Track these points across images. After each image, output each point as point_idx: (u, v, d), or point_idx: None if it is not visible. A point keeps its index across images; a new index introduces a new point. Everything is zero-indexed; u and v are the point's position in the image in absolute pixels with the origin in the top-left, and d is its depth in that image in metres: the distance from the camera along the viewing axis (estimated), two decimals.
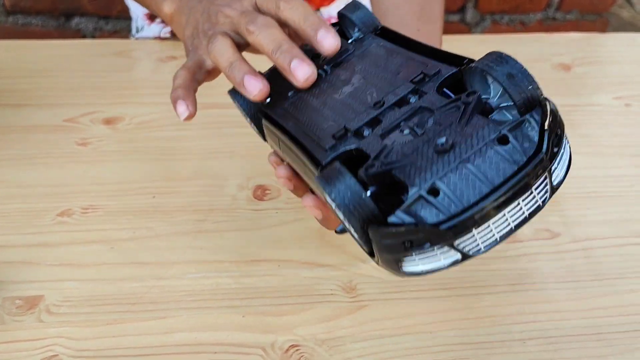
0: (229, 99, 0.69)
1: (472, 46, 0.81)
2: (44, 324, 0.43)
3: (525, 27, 1.21)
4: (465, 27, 1.21)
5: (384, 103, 0.32)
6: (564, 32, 1.21)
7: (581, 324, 0.44)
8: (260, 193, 0.55)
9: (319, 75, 0.37)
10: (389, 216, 0.26)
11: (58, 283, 0.46)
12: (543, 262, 0.49)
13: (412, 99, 0.31)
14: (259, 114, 0.39)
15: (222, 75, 0.74)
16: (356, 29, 0.40)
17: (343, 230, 0.36)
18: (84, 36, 1.17)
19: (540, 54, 0.79)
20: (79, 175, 0.57)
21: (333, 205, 0.28)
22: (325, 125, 0.33)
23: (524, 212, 0.26)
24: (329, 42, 0.36)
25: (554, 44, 0.81)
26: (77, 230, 0.51)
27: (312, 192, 0.38)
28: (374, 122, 0.31)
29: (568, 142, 0.28)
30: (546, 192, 0.27)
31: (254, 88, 0.36)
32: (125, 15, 0.89)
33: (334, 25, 0.43)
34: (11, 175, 0.57)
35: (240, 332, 0.43)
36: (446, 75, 0.31)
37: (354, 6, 0.40)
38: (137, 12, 0.84)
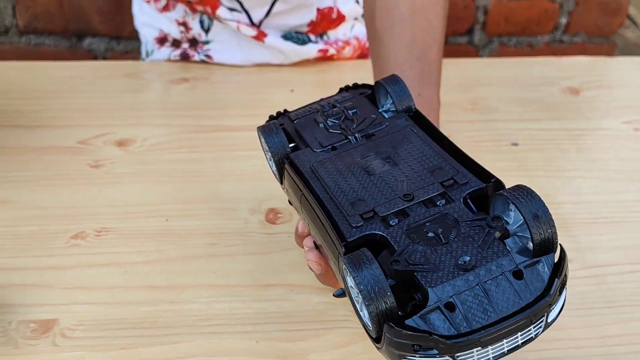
0: (239, 122, 0.70)
1: (480, 69, 0.82)
2: (59, 348, 0.43)
3: (532, 50, 1.22)
4: (473, 49, 1.22)
5: (413, 197, 0.34)
6: (571, 54, 1.22)
7: (595, 352, 0.43)
8: (273, 216, 0.55)
9: (349, 141, 0.38)
10: (406, 318, 0.29)
11: (72, 306, 0.46)
12: None
13: (440, 202, 0.33)
14: (285, 159, 0.39)
15: (233, 96, 0.74)
16: (389, 102, 0.41)
17: (341, 295, 0.37)
18: (95, 57, 1.19)
19: (548, 77, 0.80)
20: (92, 197, 0.58)
21: (355, 289, 0.30)
22: (353, 197, 0.34)
23: (518, 341, 0.29)
24: None
25: (562, 68, 0.82)
26: (91, 253, 0.51)
27: (316, 245, 0.39)
28: (401, 213, 0.33)
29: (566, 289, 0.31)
30: (541, 327, 0.30)
31: None
32: (136, 36, 0.90)
33: (366, 87, 0.44)
34: (25, 196, 0.57)
35: (254, 358, 0.43)
36: (474, 189, 0.34)
37: (394, 80, 0.42)
38: (147, 36, 0.85)
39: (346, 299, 0.40)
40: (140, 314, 0.46)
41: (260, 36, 0.80)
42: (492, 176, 0.34)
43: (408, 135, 0.38)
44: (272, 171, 0.42)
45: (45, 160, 0.63)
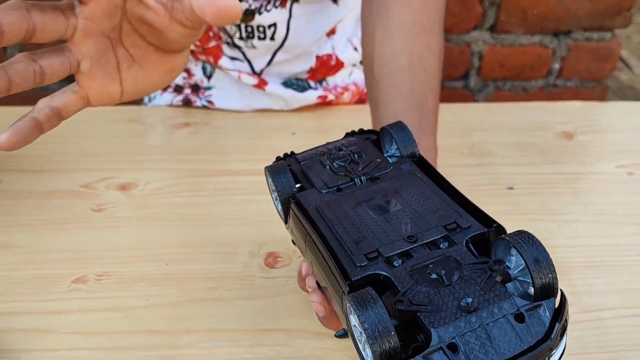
0: (240, 166, 0.71)
1: (476, 114, 0.84)
2: None
3: (527, 94, 1.25)
4: (468, 93, 1.25)
5: (417, 239, 0.34)
6: (565, 98, 1.25)
7: None
8: (272, 261, 0.56)
9: (354, 183, 0.40)
10: (409, 358, 0.29)
11: (72, 352, 0.46)
12: None
13: (443, 245, 0.34)
14: (290, 199, 0.40)
15: (234, 141, 0.75)
16: (394, 147, 0.43)
17: (343, 335, 0.37)
18: None
19: (543, 122, 0.81)
20: (94, 241, 0.58)
21: (358, 328, 0.30)
22: (357, 237, 0.35)
23: None
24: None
25: (556, 113, 0.84)
26: (92, 297, 0.52)
27: (319, 286, 0.40)
28: (405, 255, 0.34)
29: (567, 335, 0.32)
30: None
31: None
32: None
33: (371, 132, 0.46)
34: (28, 240, 0.58)
35: None
36: (476, 233, 0.35)
37: (399, 127, 0.43)
38: None
39: (347, 342, 0.41)
40: (140, 359, 0.46)
41: (261, 84, 0.82)
42: (494, 221, 0.35)
43: (412, 179, 0.39)
44: (278, 211, 0.43)
45: (50, 204, 0.64)
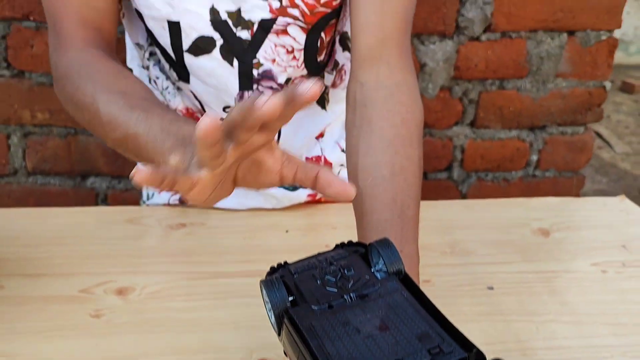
0: (235, 268, 0.74)
1: (457, 211, 0.88)
2: None
3: (508, 184, 1.30)
4: (452, 184, 1.30)
5: None
6: (544, 189, 1.30)
7: None
8: None
9: (344, 300, 0.43)
10: None
11: None
12: None
13: None
14: (284, 313, 0.43)
15: (229, 241, 0.79)
16: (381, 262, 0.46)
17: None
18: (97, 194, 1.25)
19: (520, 218, 0.86)
20: (91, 348, 0.61)
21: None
22: (347, 358, 0.38)
23: None
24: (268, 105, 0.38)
25: (533, 209, 0.89)
26: None
27: None
28: None
29: None
30: None
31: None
32: None
33: (359, 245, 0.50)
34: (27, 349, 0.60)
35: None
36: (458, 358, 0.38)
37: (386, 244, 0.46)
38: None
39: None
40: None
41: None
42: (474, 346, 0.38)
43: (398, 300, 0.42)
44: (271, 322, 0.46)
45: (48, 310, 0.66)
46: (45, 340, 0.62)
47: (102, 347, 0.61)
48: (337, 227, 0.84)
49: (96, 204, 1.23)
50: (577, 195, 1.32)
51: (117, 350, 0.61)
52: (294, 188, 0.88)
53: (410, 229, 0.63)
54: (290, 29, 0.73)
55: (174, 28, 0.71)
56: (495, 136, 1.26)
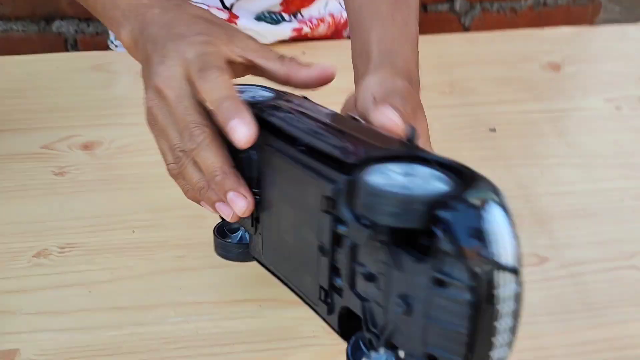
0: None
1: (459, 46, 0.79)
2: None
3: (516, 15, 1.19)
4: (454, 17, 1.19)
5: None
6: (556, 17, 1.19)
7: None
8: None
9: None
10: None
11: (34, 334, 0.45)
12: (530, 292, 0.47)
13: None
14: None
15: None
16: None
17: None
18: (66, 40, 1.15)
19: (529, 52, 0.77)
20: (56, 209, 0.56)
21: None
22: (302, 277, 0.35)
23: None
24: (239, 134, 0.35)
25: (544, 41, 0.80)
26: (54, 272, 0.50)
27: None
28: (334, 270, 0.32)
29: None
30: None
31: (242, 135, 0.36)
32: None
33: None
34: None
35: None
36: None
37: None
38: None
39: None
40: (104, 340, 0.44)
41: (232, 19, 0.77)
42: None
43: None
44: None
45: (8, 169, 0.61)
46: (5, 202, 0.57)
47: (68, 206, 0.56)
48: None
49: (66, 50, 1.14)
50: (592, 24, 1.20)
51: (84, 210, 0.56)
52: (276, 21, 0.79)
53: (414, 51, 0.54)
54: None
55: None
56: None
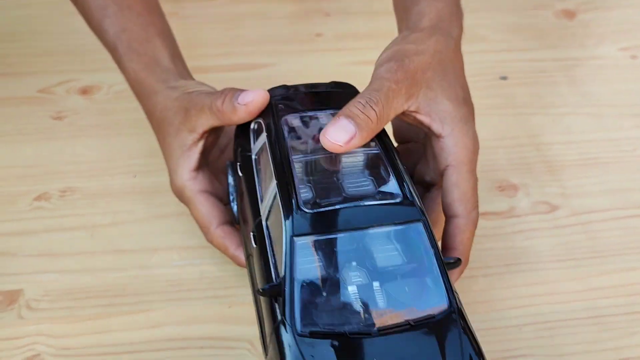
0: (213, 62, 0.65)
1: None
2: (24, 321, 0.41)
3: None
4: None
5: None
6: None
7: (579, 306, 0.42)
8: None
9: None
10: None
11: (37, 275, 0.44)
12: (540, 239, 0.47)
13: None
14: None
15: (205, 33, 0.69)
16: None
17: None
18: None
19: None
20: (55, 153, 0.55)
21: None
22: None
23: None
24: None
25: None
26: (55, 216, 0.49)
27: None
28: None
29: None
30: None
31: None
32: None
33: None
34: None
35: (226, 325, 0.41)
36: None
37: None
38: None
39: None
40: (108, 281, 0.44)
41: None
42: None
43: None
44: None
45: (4, 113, 0.59)
46: (3, 145, 0.55)
47: (67, 150, 0.55)
48: (330, 14, 0.73)
49: None
50: None
51: (83, 155, 0.55)
52: None
53: None
54: None
55: None
56: None
